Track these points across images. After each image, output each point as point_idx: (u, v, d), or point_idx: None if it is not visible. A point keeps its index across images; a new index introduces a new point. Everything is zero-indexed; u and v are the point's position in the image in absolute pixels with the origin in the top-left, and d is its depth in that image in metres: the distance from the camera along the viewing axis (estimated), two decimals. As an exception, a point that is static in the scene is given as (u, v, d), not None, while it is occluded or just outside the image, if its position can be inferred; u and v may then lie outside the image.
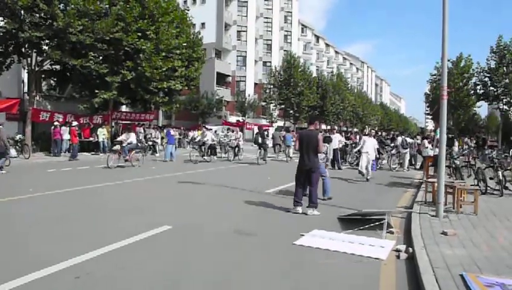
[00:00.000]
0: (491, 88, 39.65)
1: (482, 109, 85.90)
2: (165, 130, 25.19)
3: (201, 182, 12.20)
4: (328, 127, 57.25)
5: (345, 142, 21.12)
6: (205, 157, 19.55)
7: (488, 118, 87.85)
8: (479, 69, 40.95)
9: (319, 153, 8.22)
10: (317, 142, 8.03)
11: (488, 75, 39.56)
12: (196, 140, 20.99)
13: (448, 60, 32.73)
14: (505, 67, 38.23)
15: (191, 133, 31.02)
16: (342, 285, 4.43)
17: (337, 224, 7.16)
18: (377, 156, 14.45)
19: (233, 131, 25.56)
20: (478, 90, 41.55)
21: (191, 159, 19.09)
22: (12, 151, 17.73)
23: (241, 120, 48.53)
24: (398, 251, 5.51)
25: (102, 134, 22.96)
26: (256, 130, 26.83)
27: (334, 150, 18.56)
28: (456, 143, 18.72)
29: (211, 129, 26.01)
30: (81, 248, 5.23)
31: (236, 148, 21.64)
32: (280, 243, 5.89)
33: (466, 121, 54.11)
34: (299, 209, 8.10)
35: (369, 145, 14.25)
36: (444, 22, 7.39)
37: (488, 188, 10.69)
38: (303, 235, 6.23)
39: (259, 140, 20.98)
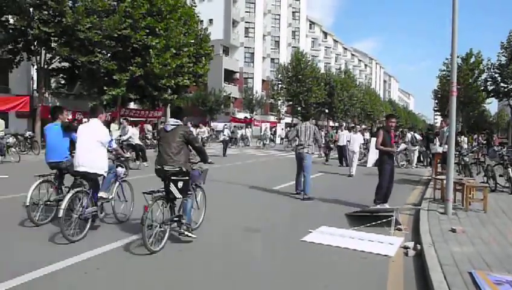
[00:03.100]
0: (502, 84, 39.12)
1: (492, 105, 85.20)
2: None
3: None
4: (336, 124, 57.19)
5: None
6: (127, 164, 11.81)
7: (498, 115, 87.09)
8: (489, 65, 40.41)
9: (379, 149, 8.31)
10: (376, 138, 8.27)
11: (498, 71, 39.04)
12: (116, 139, 13.61)
13: (458, 56, 32.45)
14: (515, 64, 37.64)
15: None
16: (350, 282, 4.43)
17: (345, 221, 7.15)
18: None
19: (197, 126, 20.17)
20: (488, 87, 41.03)
21: None
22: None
23: (248, 117, 48.56)
24: (406, 247, 5.48)
25: (115, 130, 23.03)
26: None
27: (341, 146, 18.53)
28: (466, 140, 18.53)
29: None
30: (89, 244, 5.27)
31: None
32: (288, 240, 5.89)
33: (476, 117, 53.65)
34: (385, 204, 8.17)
35: (356, 142, 15.34)
36: (454, 16, 7.31)
37: (498, 186, 10.60)
38: (311, 231, 6.22)
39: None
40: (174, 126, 5.50)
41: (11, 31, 19.82)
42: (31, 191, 6.01)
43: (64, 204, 5.28)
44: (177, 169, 5.34)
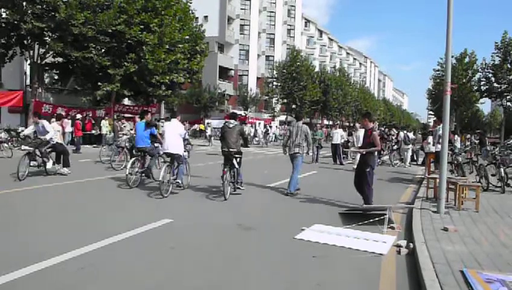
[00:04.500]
0: (495, 84, 39.36)
1: (485, 105, 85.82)
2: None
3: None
4: (330, 122, 57.30)
5: (347, 138, 21.02)
6: (49, 168, 11.11)
7: (491, 115, 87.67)
8: (483, 65, 40.62)
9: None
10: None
11: (492, 71, 39.26)
12: (25, 134, 12.31)
13: (452, 56, 32.55)
14: (509, 64, 37.85)
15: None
16: (342, 280, 4.43)
17: (338, 219, 7.16)
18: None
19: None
20: (482, 87, 41.27)
21: (18, 173, 9.96)
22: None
23: (243, 114, 48.51)
24: (398, 246, 5.50)
25: (105, 126, 22.97)
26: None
27: (335, 145, 18.57)
28: (459, 139, 18.60)
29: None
30: (84, 240, 5.24)
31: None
32: (281, 237, 5.88)
33: (469, 117, 53.94)
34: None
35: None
36: (449, 16, 7.33)
37: (490, 185, 10.67)
38: (304, 229, 6.23)
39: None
40: (233, 124, 9.00)
41: (3, 25, 19.64)
42: (129, 165, 9.68)
43: (162, 172, 8.49)
44: (236, 150, 8.94)
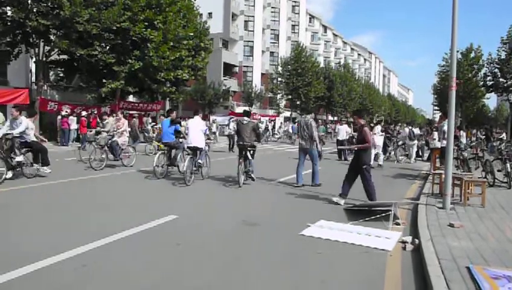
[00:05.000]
0: (501, 79, 38.96)
1: (491, 100, 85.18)
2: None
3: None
4: (335, 118, 57.14)
5: (352, 134, 20.96)
6: (20, 160, 9.92)
7: (497, 110, 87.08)
8: (489, 60, 40.21)
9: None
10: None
11: (498, 66, 38.85)
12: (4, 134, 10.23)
13: (458, 51, 32.27)
14: (515, 59, 37.41)
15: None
16: (347, 276, 4.43)
17: (343, 215, 7.15)
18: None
19: (113, 116, 15.56)
20: (488, 82, 40.88)
21: None
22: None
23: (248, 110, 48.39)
24: (404, 242, 5.49)
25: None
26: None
27: (341, 141, 18.53)
28: (464, 134, 18.50)
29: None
30: (85, 239, 5.26)
31: (117, 147, 12.62)
32: (286, 234, 5.89)
33: (475, 113, 53.56)
34: (342, 201, 8.14)
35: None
36: (454, 11, 7.27)
37: (496, 181, 10.61)
38: (309, 225, 6.23)
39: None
40: (247, 121, 10.19)
41: (9, 23, 19.70)
42: (156, 159, 10.67)
43: (186, 163, 9.78)
44: (250, 144, 10.04)
